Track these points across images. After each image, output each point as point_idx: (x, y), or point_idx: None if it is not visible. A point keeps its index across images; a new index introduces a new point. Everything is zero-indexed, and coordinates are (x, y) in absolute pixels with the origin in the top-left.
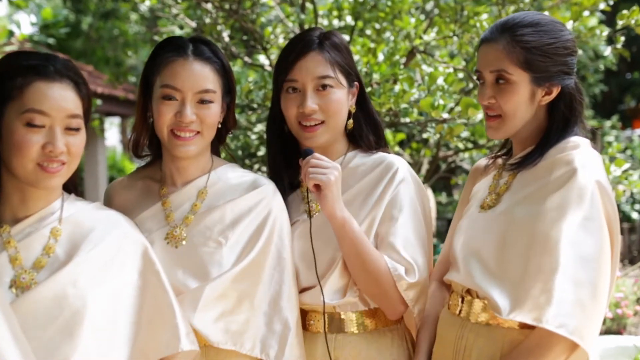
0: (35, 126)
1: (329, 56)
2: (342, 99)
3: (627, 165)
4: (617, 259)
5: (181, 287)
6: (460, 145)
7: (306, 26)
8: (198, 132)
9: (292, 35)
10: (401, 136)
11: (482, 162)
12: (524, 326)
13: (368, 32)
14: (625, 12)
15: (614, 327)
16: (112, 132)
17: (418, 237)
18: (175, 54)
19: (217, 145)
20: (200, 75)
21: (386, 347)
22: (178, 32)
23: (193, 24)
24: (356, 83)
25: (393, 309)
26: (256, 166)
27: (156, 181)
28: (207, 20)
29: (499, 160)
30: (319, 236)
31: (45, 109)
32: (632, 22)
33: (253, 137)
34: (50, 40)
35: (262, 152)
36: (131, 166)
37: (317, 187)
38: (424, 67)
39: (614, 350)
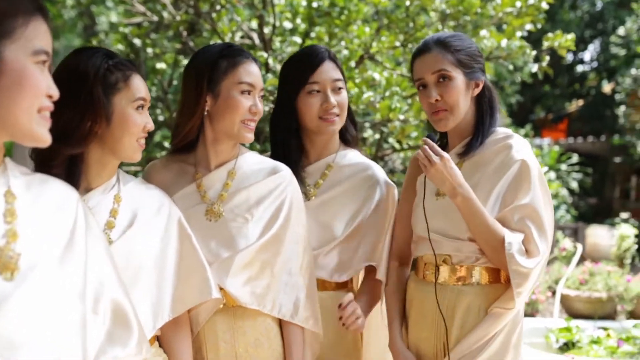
0: (142, 109)
1: (337, 65)
2: (347, 98)
3: (544, 169)
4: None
5: (214, 255)
6: (397, 146)
7: (264, 27)
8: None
9: (245, 34)
10: None
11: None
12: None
13: (312, 35)
14: (550, 34)
15: (528, 310)
16: None
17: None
18: (243, 57)
19: None
20: (260, 76)
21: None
22: (115, 20)
23: (155, 18)
24: None
25: None
26: None
27: (190, 164)
28: (166, 15)
29: None
30: (316, 216)
31: (145, 96)
32: (556, 44)
33: None
34: None
35: None
36: None
37: None
38: (370, 72)
39: (528, 332)
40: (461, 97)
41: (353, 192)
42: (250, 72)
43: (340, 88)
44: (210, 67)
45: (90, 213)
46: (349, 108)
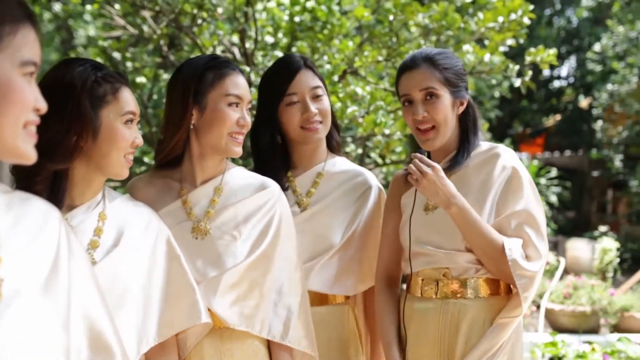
0: (131, 123)
1: (315, 72)
2: (329, 104)
3: None
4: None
5: (201, 274)
6: (379, 160)
7: (246, 41)
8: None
9: (226, 48)
10: None
11: (401, 173)
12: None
13: (294, 49)
14: (532, 49)
15: None
16: None
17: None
18: (230, 69)
19: None
20: (247, 88)
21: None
22: (93, 33)
23: (134, 31)
24: None
25: None
26: None
27: (176, 180)
28: (146, 29)
29: None
30: (311, 226)
31: (135, 110)
32: (538, 59)
33: None
34: None
35: None
36: None
37: None
38: (352, 86)
39: None
40: (448, 114)
41: (347, 199)
42: (238, 84)
43: (319, 95)
44: (196, 79)
45: (72, 233)
46: (332, 113)
